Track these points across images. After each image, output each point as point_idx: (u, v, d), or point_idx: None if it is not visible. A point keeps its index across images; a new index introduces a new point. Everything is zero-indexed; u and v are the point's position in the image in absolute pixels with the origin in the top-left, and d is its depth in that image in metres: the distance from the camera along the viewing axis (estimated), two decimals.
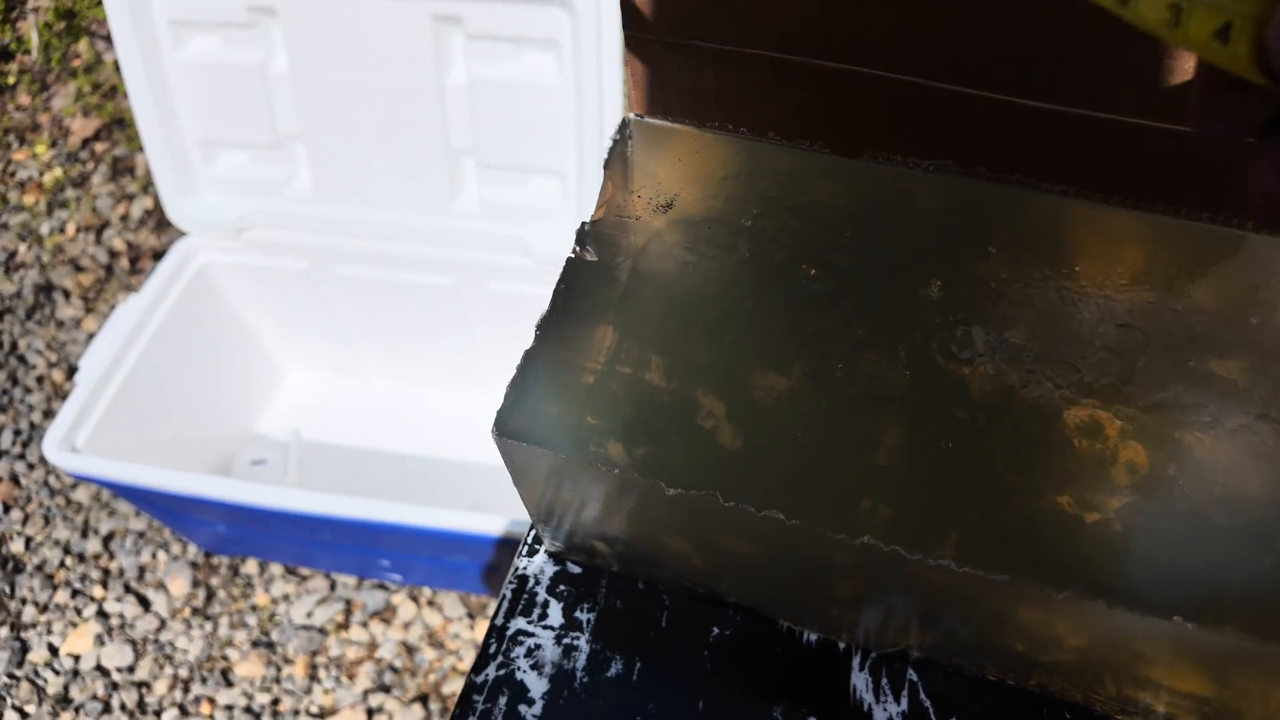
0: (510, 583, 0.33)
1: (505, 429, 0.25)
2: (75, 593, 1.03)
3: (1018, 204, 0.27)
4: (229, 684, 0.95)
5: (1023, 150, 0.27)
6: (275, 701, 0.94)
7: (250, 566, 1.02)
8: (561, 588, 0.33)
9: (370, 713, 0.93)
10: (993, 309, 0.26)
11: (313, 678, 0.95)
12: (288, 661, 0.96)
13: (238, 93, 0.86)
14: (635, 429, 0.28)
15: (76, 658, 0.98)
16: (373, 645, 0.97)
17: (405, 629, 0.98)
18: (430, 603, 0.99)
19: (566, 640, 0.32)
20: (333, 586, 1.00)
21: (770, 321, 0.28)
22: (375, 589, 1.00)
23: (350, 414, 1.08)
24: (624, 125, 0.31)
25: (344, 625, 0.98)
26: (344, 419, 1.07)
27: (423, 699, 0.93)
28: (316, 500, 0.77)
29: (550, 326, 0.27)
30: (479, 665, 0.31)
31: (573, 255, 0.28)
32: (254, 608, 1.00)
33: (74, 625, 1.00)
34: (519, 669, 0.31)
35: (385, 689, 0.94)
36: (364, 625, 0.98)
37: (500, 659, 0.32)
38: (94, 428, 0.84)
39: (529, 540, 0.34)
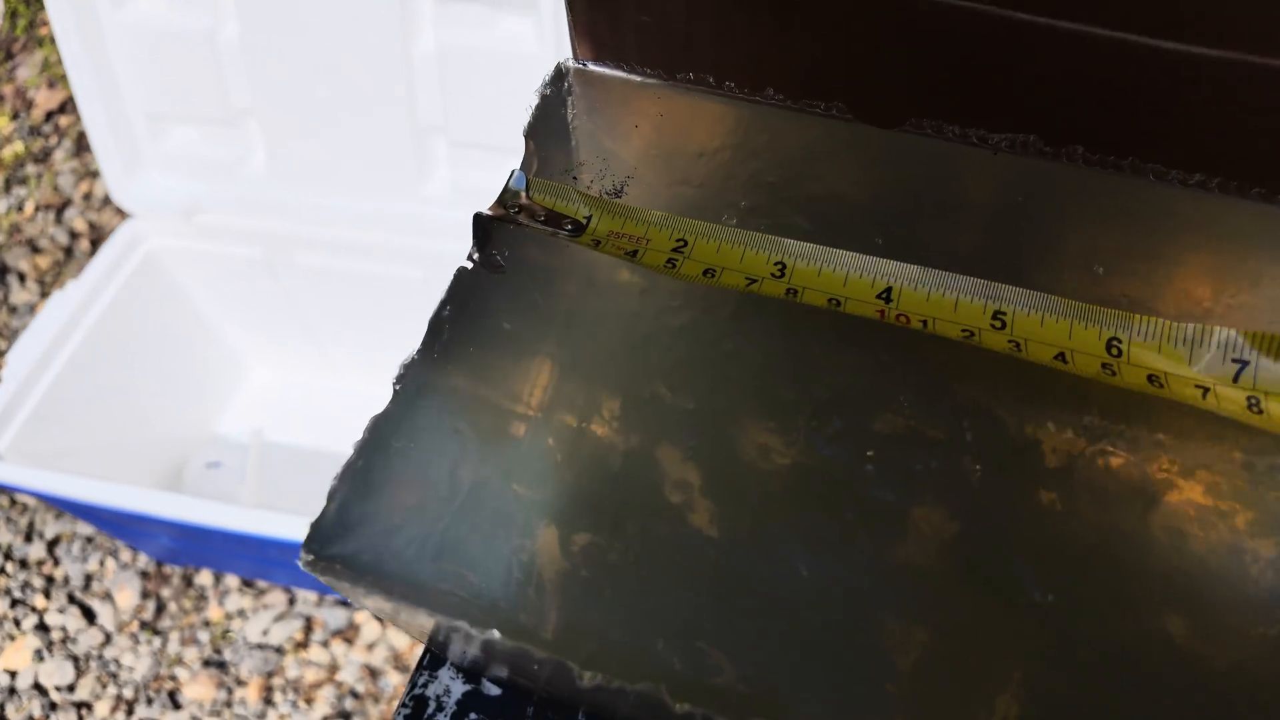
0: (403, 707, 0.25)
1: (329, 550, 0.17)
2: (15, 602, 0.95)
3: (1137, 201, 0.19)
4: (176, 706, 0.88)
5: (1145, 118, 0.18)
6: None
7: (204, 577, 0.94)
8: (472, 717, 0.24)
9: None
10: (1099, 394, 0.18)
11: (267, 702, 0.87)
12: (240, 684, 0.88)
13: (185, 61, 0.78)
14: (575, 507, 0.19)
15: (13, 674, 0.90)
16: (333, 667, 0.89)
17: (369, 650, 0.90)
18: None
19: None
20: (291, 601, 0.92)
21: (758, 365, 0.19)
22: (337, 606, 0.92)
23: (316, 414, 1.00)
24: (558, 74, 0.22)
25: (303, 644, 0.90)
26: (309, 419, 0.99)
27: None
28: (265, 520, 0.69)
29: (423, 371, 0.18)
30: None
31: (468, 265, 0.20)
32: (206, 623, 0.92)
33: (11, 639, 0.92)
34: None
35: (346, 716, 0.86)
36: (324, 645, 0.90)
37: None
38: (19, 429, 0.76)
39: (429, 647, 0.25)
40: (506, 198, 0.21)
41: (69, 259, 1.22)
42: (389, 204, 0.82)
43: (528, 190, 0.21)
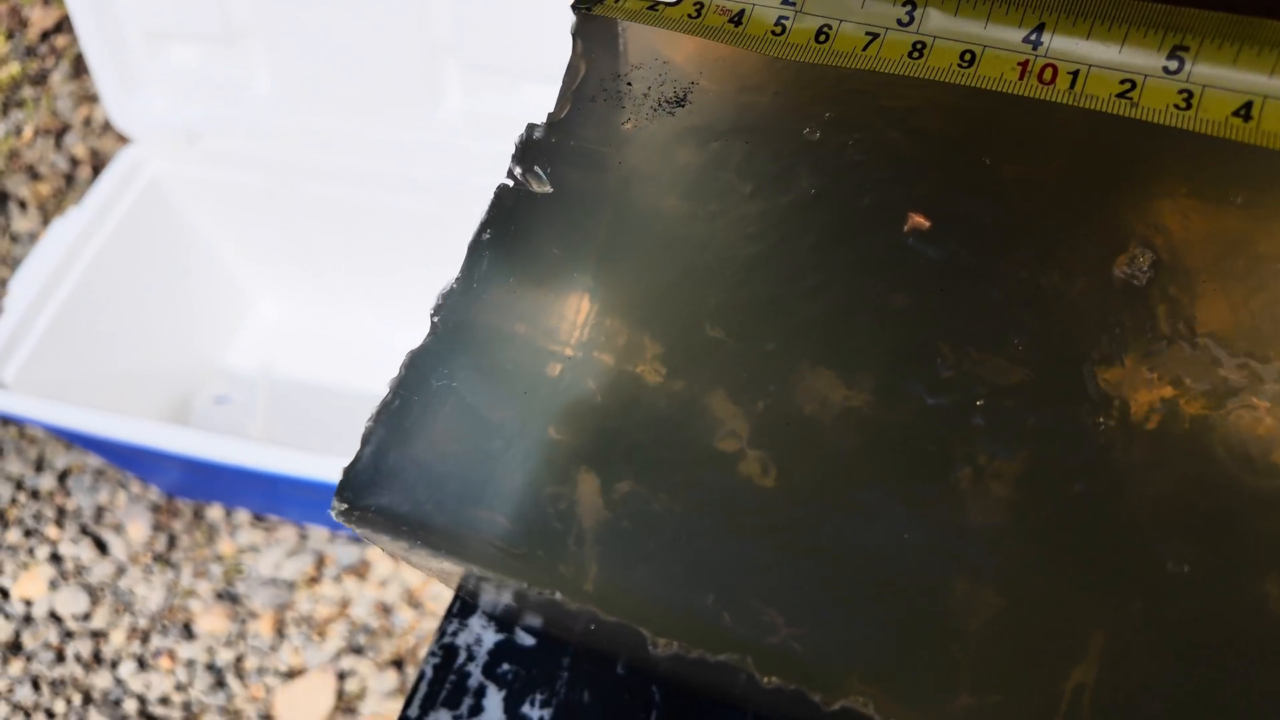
0: (432, 655, 0.23)
1: (366, 500, 0.15)
2: (28, 532, 0.95)
3: None
4: (191, 637, 0.88)
5: None
6: (239, 659, 0.87)
7: (215, 512, 0.94)
8: (505, 668, 0.23)
9: (341, 675, 0.86)
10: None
11: (280, 634, 0.88)
12: (253, 616, 0.89)
13: None
14: (617, 451, 0.18)
15: (29, 602, 0.91)
16: (345, 603, 0.89)
17: (381, 587, 0.90)
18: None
19: None
20: (303, 537, 0.92)
21: (840, 304, 0.17)
22: (349, 543, 0.91)
23: (325, 349, 0.98)
24: None
25: (315, 580, 0.90)
26: (317, 354, 0.97)
27: (398, 663, 0.86)
28: (278, 457, 0.67)
29: (464, 302, 0.16)
30: None
31: (509, 183, 0.17)
32: (218, 557, 0.92)
33: (25, 567, 0.92)
34: None
35: (358, 650, 0.87)
36: (336, 581, 0.90)
37: None
38: (24, 360, 0.75)
39: (460, 594, 0.24)
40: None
41: (70, 186, 1.19)
42: (398, 131, 0.79)
43: None
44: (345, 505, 0.14)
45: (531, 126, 0.18)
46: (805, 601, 0.16)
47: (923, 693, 0.15)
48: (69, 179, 1.19)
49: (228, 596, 0.90)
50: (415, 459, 0.15)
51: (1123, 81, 0.16)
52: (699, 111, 0.18)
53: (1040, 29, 0.16)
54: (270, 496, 0.84)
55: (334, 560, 0.91)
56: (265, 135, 0.82)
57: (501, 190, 0.18)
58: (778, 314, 0.17)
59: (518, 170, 0.18)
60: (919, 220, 0.17)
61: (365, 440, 0.14)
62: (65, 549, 0.93)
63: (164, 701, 0.86)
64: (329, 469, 0.66)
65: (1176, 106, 0.15)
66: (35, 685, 0.87)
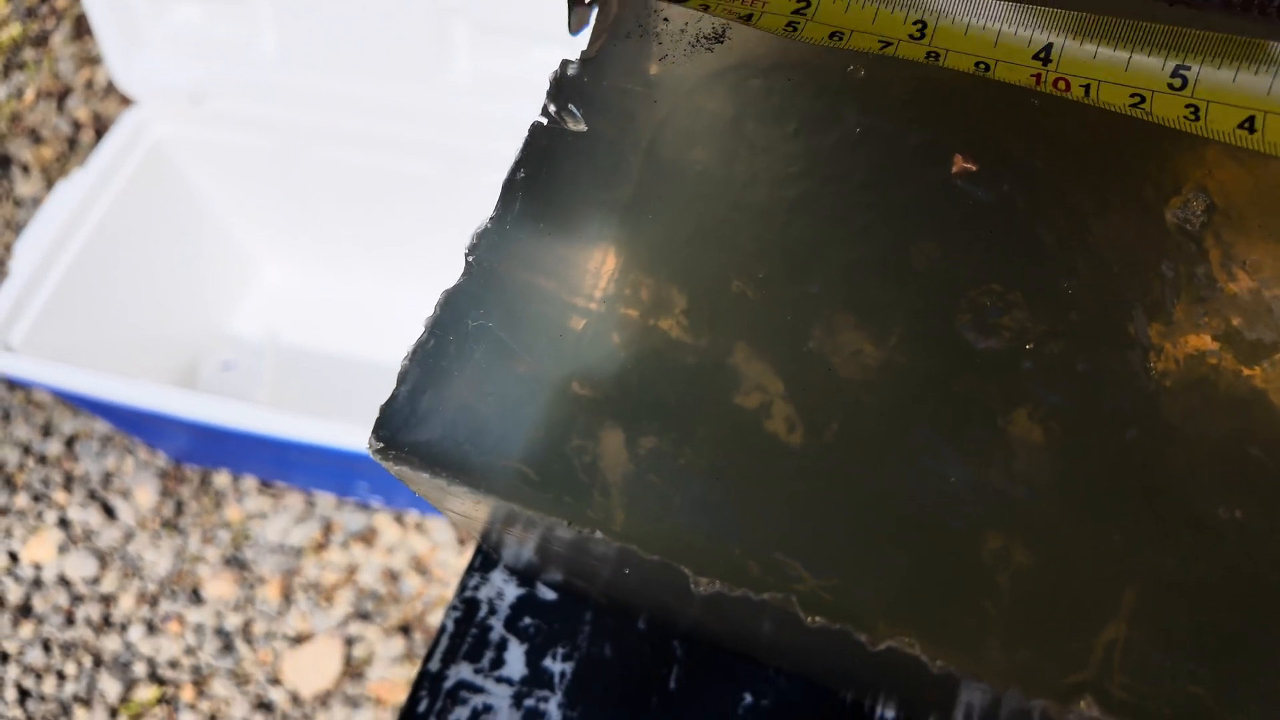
0: (453, 609, 0.23)
1: (404, 437, 0.14)
2: (37, 496, 0.95)
3: None
4: (199, 602, 0.89)
5: None
6: (247, 624, 0.87)
7: (222, 479, 0.94)
8: (527, 622, 0.22)
9: (349, 641, 0.86)
10: None
11: (288, 600, 0.88)
12: (261, 582, 0.89)
13: None
14: (644, 406, 0.17)
15: (38, 566, 0.91)
16: (352, 569, 0.89)
17: (388, 554, 0.90)
18: (417, 526, 0.91)
19: (530, 702, 0.22)
20: (310, 504, 0.92)
21: (880, 251, 0.16)
22: (356, 510, 0.91)
23: (332, 315, 0.97)
24: None
25: (322, 546, 0.91)
26: (325, 320, 0.97)
27: (405, 629, 0.87)
28: (285, 423, 0.67)
29: (497, 242, 0.16)
30: None
31: (543, 121, 0.17)
32: (226, 523, 0.92)
33: (34, 531, 0.93)
34: None
35: (365, 616, 0.87)
36: (344, 547, 0.90)
37: None
38: (32, 324, 0.74)
39: (483, 547, 0.24)
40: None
41: (73, 150, 1.17)
42: (406, 94, 0.77)
43: None
44: (382, 444, 0.14)
45: (565, 63, 0.18)
46: (831, 555, 0.16)
47: (957, 640, 0.15)
48: (71, 142, 1.18)
49: (235, 562, 0.90)
50: (452, 397, 0.14)
51: (1133, 95, 0.16)
52: (738, 48, 0.18)
53: (1048, 50, 0.16)
54: (277, 462, 0.84)
55: (341, 527, 0.91)
56: (271, 97, 0.81)
57: (535, 128, 0.17)
58: (819, 257, 0.16)
59: (552, 108, 0.17)
60: (965, 163, 0.17)
61: (401, 379, 0.14)
62: (74, 514, 0.94)
63: (173, 665, 0.87)
64: (336, 434, 0.66)
65: (1186, 118, 0.16)
66: (46, 648, 0.88)
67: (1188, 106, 0.16)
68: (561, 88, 0.17)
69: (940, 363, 0.15)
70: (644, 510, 0.16)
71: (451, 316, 0.15)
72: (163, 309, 0.90)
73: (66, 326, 0.79)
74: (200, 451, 0.89)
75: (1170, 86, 0.16)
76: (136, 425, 0.84)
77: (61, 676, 0.87)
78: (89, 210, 0.81)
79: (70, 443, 0.98)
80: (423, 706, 0.21)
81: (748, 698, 0.21)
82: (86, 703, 0.85)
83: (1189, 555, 0.14)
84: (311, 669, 0.86)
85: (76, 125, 1.19)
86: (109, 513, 0.94)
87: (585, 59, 0.18)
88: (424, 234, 0.90)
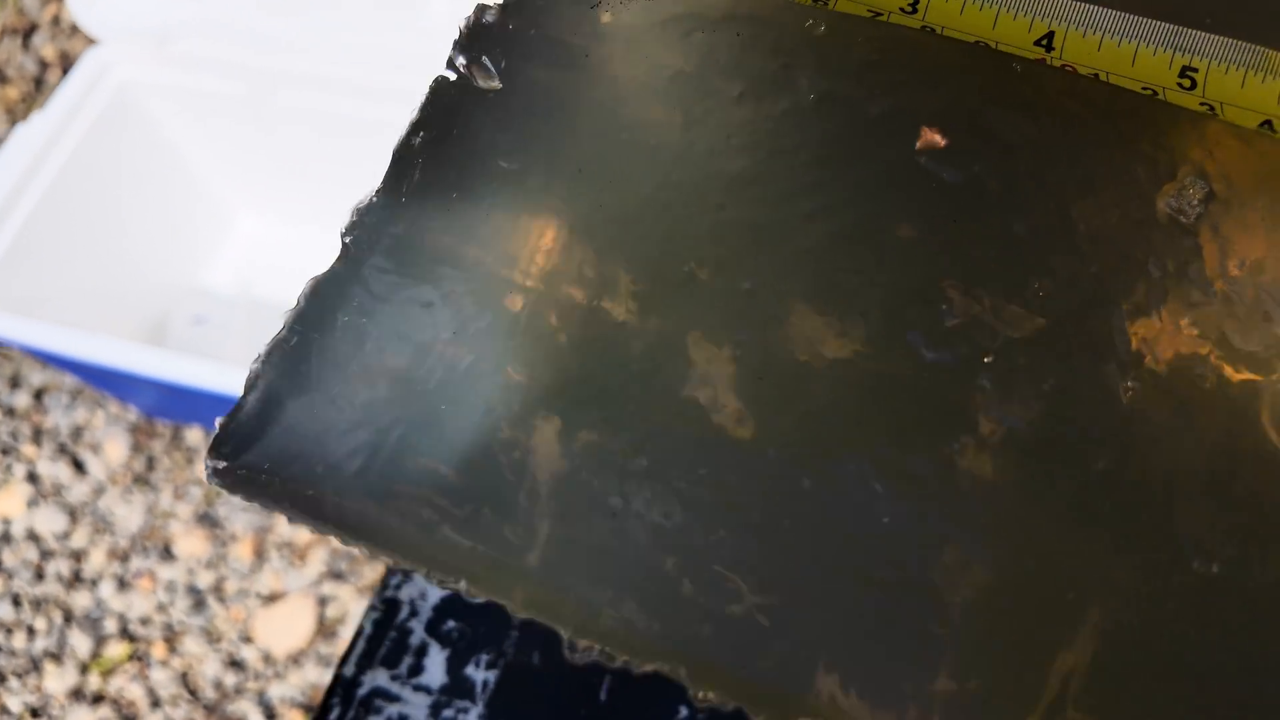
0: (372, 610, 0.21)
1: (250, 459, 0.12)
2: (4, 450, 0.93)
3: None
4: (171, 558, 0.88)
5: None
6: (220, 581, 0.87)
7: (194, 434, 0.92)
8: (450, 625, 0.21)
9: (322, 600, 0.86)
10: None
11: (260, 558, 0.87)
12: (233, 539, 0.88)
13: None
14: (583, 397, 0.16)
15: (7, 521, 0.90)
16: None
17: None
18: None
19: (448, 712, 0.20)
20: None
21: (826, 241, 0.14)
22: None
23: (308, 267, 0.94)
24: None
25: None
26: (300, 273, 0.94)
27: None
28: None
29: (385, 220, 0.14)
30: None
31: (449, 76, 0.14)
32: (198, 480, 0.90)
33: (3, 485, 0.91)
34: None
35: (338, 576, 0.86)
36: None
37: None
38: None
39: None
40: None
41: (39, 89, 1.13)
42: (382, 37, 0.74)
43: None
44: (221, 463, 0.12)
45: (482, 8, 0.15)
46: (774, 569, 0.14)
47: (897, 677, 0.13)
48: (38, 82, 1.14)
49: (207, 519, 0.89)
50: (313, 410, 0.12)
51: (1145, 88, 0.14)
52: None
53: (1049, 37, 0.14)
54: None
55: None
56: (241, 39, 0.77)
57: (439, 84, 0.15)
58: (763, 244, 0.14)
59: (460, 60, 0.15)
60: (933, 136, 0.15)
61: (250, 385, 0.12)
62: (43, 468, 0.92)
63: (144, 622, 0.86)
64: None
65: (1204, 113, 0.14)
66: (15, 602, 0.87)
67: (1203, 104, 0.14)
68: (474, 37, 0.15)
69: (895, 371, 0.14)
70: (575, 516, 0.15)
71: (318, 310, 0.13)
72: (132, 260, 0.88)
73: (28, 277, 0.76)
74: (171, 408, 0.87)
75: (1180, 86, 0.14)
76: (104, 381, 0.82)
77: (32, 632, 0.86)
78: (50, 155, 0.78)
79: (39, 395, 0.96)
80: (334, 715, 0.20)
81: (682, 710, 0.20)
82: (57, 658, 0.85)
83: (1157, 596, 0.12)
84: (284, 628, 0.85)
85: (43, 64, 1.15)
86: (79, 467, 0.92)
87: (505, 3, 0.15)
88: None
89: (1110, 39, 0.14)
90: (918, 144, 0.15)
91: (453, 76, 0.15)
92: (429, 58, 0.58)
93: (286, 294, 0.97)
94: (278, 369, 0.12)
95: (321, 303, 0.13)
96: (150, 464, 0.92)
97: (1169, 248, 0.14)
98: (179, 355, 0.66)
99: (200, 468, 0.91)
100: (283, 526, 0.88)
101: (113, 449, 0.93)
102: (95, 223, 0.83)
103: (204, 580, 0.87)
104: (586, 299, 0.16)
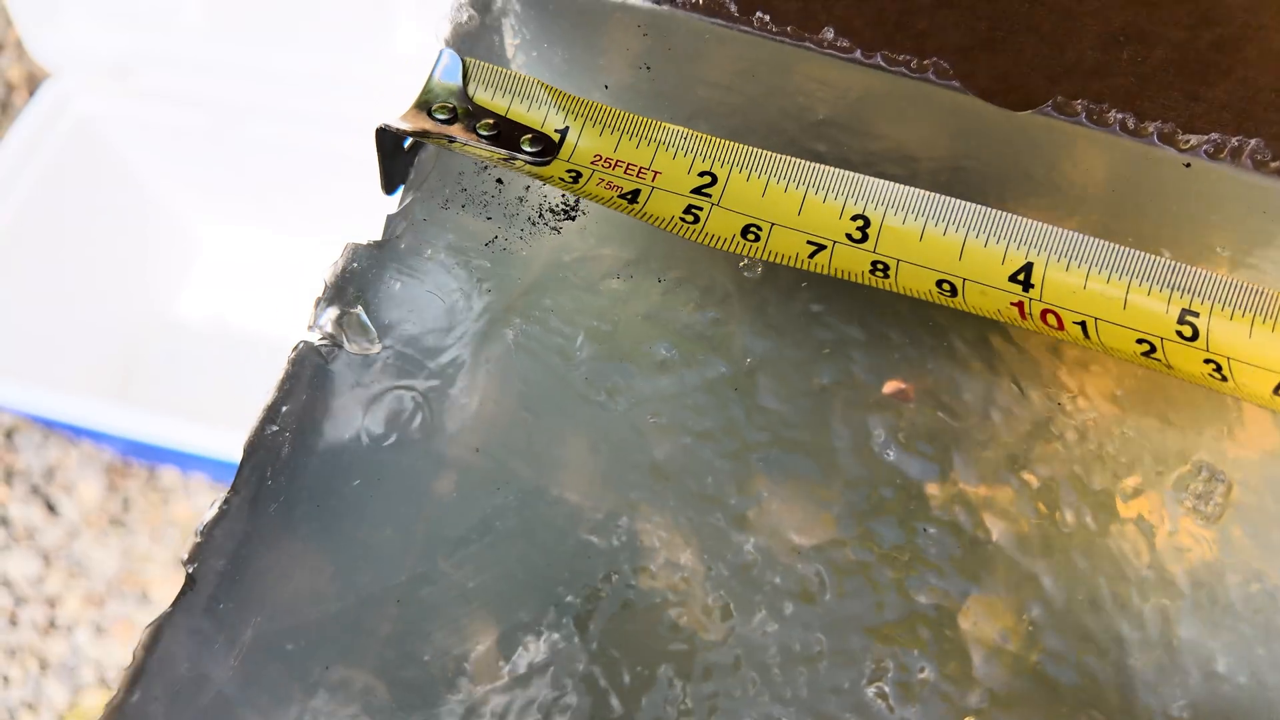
0: None
1: None
2: None
3: None
4: (149, 603, 0.85)
5: None
6: None
7: (170, 475, 0.89)
8: None
9: None
10: None
11: None
12: None
13: None
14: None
15: None
16: None
17: None
18: None
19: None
20: None
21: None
22: None
23: (281, 299, 0.92)
24: None
25: None
26: (272, 306, 0.91)
27: None
28: (226, 440, 0.62)
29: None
30: None
31: (313, 341, 0.12)
32: (174, 521, 0.88)
33: None
34: None
35: None
36: None
37: None
38: None
39: None
40: (433, 95, 0.13)
41: (4, 112, 1.09)
42: (347, 66, 0.71)
43: (466, 81, 0.13)
44: None
45: (352, 248, 0.12)
46: None
47: None
48: (4, 106, 1.10)
49: (186, 561, 0.87)
50: None
51: (1139, 341, 0.11)
52: (595, 228, 0.13)
53: (1027, 271, 0.11)
54: (225, 468, 0.80)
55: None
56: (202, 71, 0.74)
57: (302, 355, 0.12)
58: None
59: (327, 319, 0.12)
60: (898, 387, 0.12)
61: None
62: (15, 510, 0.89)
63: (123, 669, 0.84)
64: None
65: (1211, 376, 0.11)
66: None
67: (1208, 363, 0.11)
68: (343, 289, 0.12)
69: None
70: None
71: (159, 666, 0.10)
72: (98, 298, 0.85)
73: None
74: (145, 451, 0.84)
75: (1180, 335, 0.11)
76: (73, 428, 0.79)
77: (6, 681, 0.84)
78: (9, 193, 0.74)
79: (10, 435, 0.93)
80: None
81: None
82: (33, 708, 0.83)
83: None
84: None
85: (9, 86, 1.11)
86: (51, 509, 0.90)
87: (379, 243, 0.12)
88: (371, 214, 0.84)
89: (1097, 272, 0.11)
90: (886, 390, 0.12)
91: (317, 341, 0.12)
92: (394, 87, 0.54)
93: (257, 325, 0.93)
94: None
95: (163, 662, 0.10)
96: (125, 505, 0.89)
97: None
98: (143, 412, 0.63)
99: (178, 507, 0.89)
100: None
101: (87, 490, 0.90)
102: (59, 260, 0.79)
103: None
104: None
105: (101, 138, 0.80)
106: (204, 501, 0.89)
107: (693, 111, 0.13)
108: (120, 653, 0.84)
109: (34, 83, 1.11)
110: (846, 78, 0.13)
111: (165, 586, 0.86)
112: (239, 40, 0.72)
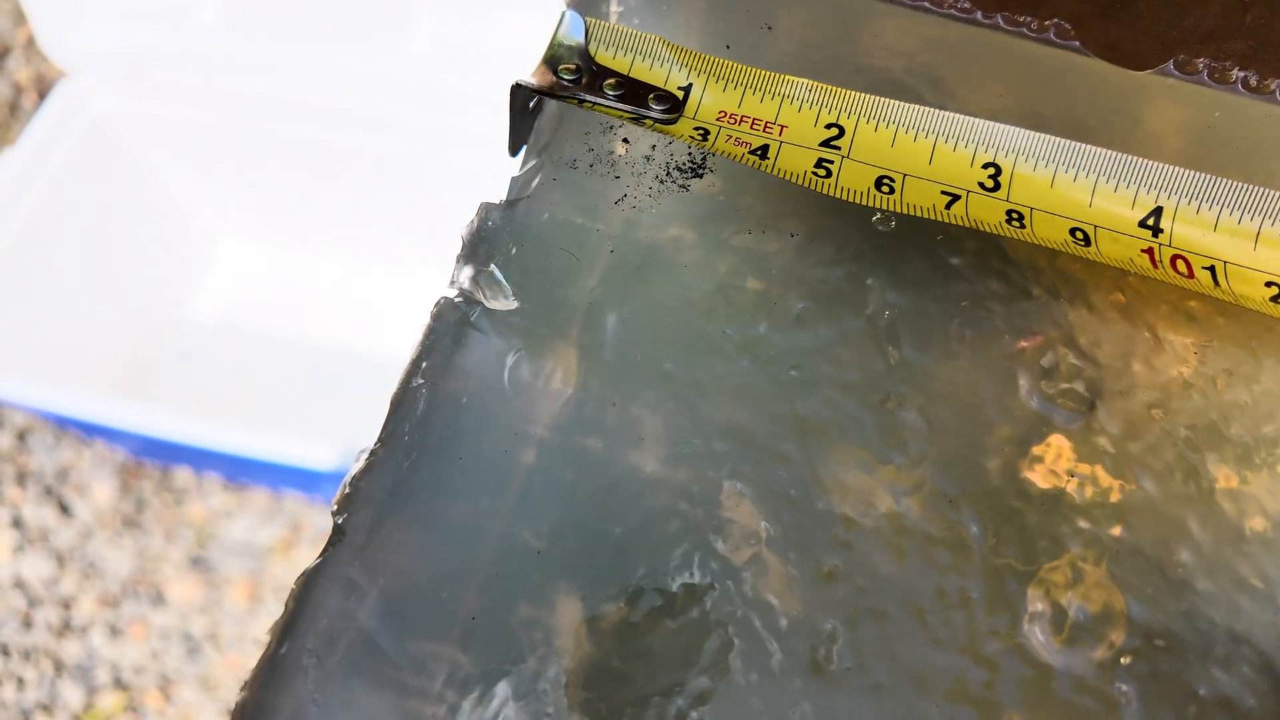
0: None
1: None
2: None
3: None
4: (163, 604, 0.85)
5: None
6: (215, 626, 0.84)
7: (184, 475, 0.89)
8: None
9: None
10: None
11: (256, 602, 0.85)
12: (228, 583, 0.85)
13: None
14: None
15: None
16: None
17: None
18: None
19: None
20: (277, 502, 0.88)
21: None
22: (324, 510, 0.87)
23: (294, 298, 0.92)
24: None
25: (290, 546, 0.87)
26: (286, 304, 0.91)
27: None
28: (244, 439, 0.62)
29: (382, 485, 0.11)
30: None
31: (452, 296, 0.11)
32: (189, 522, 0.88)
33: None
34: None
35: None
36: (313, 546, 0.86)
37: None
38: None
39: None
40: (558, 54, 0.12)
41: (14, 115, 1.09)
42: (364, 64, 0.71)
43: (588, 40, 0.13)
44: None
45: (485, 207, 0.12)
46: None
47: None
48: (13, 108, 1.10)
49: (200, 563, 0.86)
50: None
51: (1268, 284, 0.11)
52: (723, 185, 0.12)
53: (1157, 214, 0.11)
54: (239, 467, 0.80)
55: (310, 526, 0.87)
56: (218, 68, 0.74)
57: (443, 309, 0.12)
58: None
59: (465, 276, 0.12)
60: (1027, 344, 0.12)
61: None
62: (28, 512, 0.89)
63: (138, 670, 0.83)
64: (295, 451, 0.61)
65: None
66: (4, 652, 0.84)
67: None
68: (478, 245, 0.12)
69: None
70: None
71: (311, 619, 0.10)
72: (114, 296, 0.84)
73: (7, 318, 0.73)
74: (158, 450, 0.84)
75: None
76: (87, 428, 0.79)
77: (21, 683, 0.83)
78: (24, 192, 0.74)
79: (22, 436, 0.93)
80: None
81: None
82: (49, 710, 0.82)
83: None
84: None
85: (18, 89, 1.11)
86: (65, 510, 0.89)
87: (511, 201, 0.12)
88: (389, 212, 0.84)
89: (1229, 215, 0.11)
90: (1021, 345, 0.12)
91: (455, 297, 0.12)
92: (413, 85, 0.54)
93: (273, 324, 0.93)
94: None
95: (315, 612, 0.10)
96: (139, 505, 0.89)
97: None
98: (159, 409, 0.63)
99: (192, 508, 0.88)
100: (278, 569, 0.85)
101: (100, 491, 0.90)
102: (75, 259, 0.79)
103: (198, 626, 0.84)
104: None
105: (117, 136, 0.80)
106: (217, 502, 0.88)
107: (813, 71, 0.13)
108: (135, 653, 0.83)
109: (43, 84, 1.10)
110: (965, 35, 0.13)
111: (180, 586, 0.85)
112: (255, 37, 0.72)
